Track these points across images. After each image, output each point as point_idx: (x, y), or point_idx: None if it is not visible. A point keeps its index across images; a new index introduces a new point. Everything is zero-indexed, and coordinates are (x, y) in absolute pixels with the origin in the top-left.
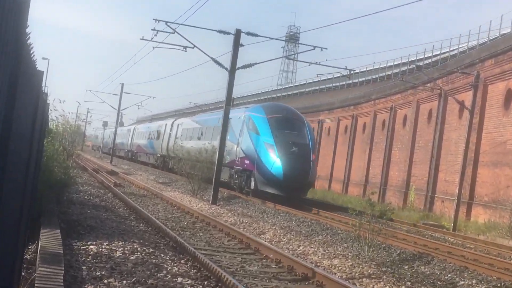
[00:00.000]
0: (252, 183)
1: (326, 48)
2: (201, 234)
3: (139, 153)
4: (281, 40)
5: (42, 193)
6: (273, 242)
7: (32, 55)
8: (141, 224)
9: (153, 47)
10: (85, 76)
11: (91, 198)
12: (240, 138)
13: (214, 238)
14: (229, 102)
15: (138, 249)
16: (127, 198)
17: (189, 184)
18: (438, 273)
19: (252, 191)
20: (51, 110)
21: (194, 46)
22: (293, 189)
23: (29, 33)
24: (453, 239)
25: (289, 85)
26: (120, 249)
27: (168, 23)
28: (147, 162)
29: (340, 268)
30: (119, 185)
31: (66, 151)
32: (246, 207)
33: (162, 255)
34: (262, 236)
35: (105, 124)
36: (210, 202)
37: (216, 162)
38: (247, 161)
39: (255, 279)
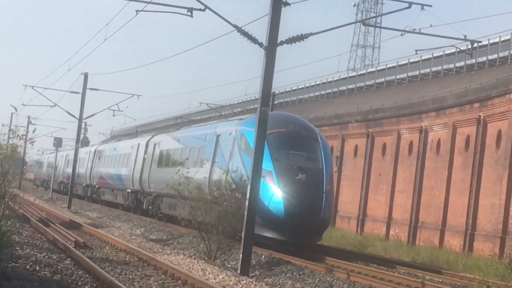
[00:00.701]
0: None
1: (431, 6)
2: None
3: (102, 188)
4: None
5: None
6: None
7: None
8: None
9: (137, 11)
10: (23, 62)
11: (37, 268)
12: (230, 162)
13: None
14: (267, 100)
15: None
16: (98, 268)
17: (202, 241)
18: None
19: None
20: None
21: (206, 7)
22: (300, 232)
23: None
24: None
25: (368, 70)
26: None
27: None
28: (113, 201)
29: None
30: (84, 245)
31: None
32: (299, 280)
33: None
34: None
35: (57, 142)
36: (239, 271)
37: (246, 205)
38: (238, 195)
39: None
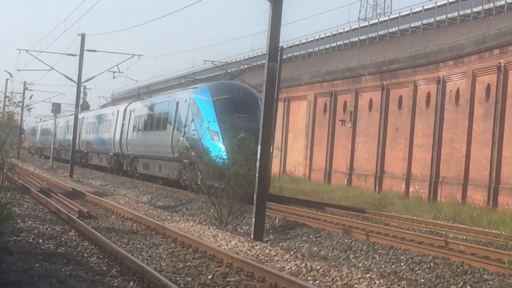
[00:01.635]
0: (199, 177)
1: None
2: None
3: (90, 152)
4: None
5: None
6: None
7: None
8: (131, 283)
9: None
10: (15, 25)
11: (41, 241)
12: (186, 125)
13: None
14: (275, 55)
15: None
16: (103, 238)
17: (213, 207)
18: None
19: (197, 186)
20: None
21: None
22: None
23: None
24: None
25: (380, 19)
26: None
27: None
28: (100, 165)
29: None
30: (89, 215)
31: None
32: (316, 243)
33: None
34: None
35: (56, 108)
36: (252, 236)
37: (257, 167)
38: (192, 153)
39: None
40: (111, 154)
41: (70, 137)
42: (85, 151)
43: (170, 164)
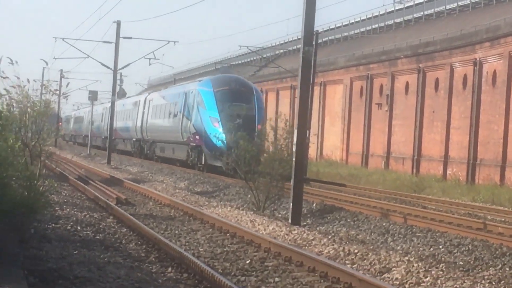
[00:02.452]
0: (203, 158)
1: None
2: (277, 279)
3: (117, 139)
4: None
5: None
6: (407, 286)
7: None
8: (169, 269)
9: None
10: (51, 14)
11: (79, 228)
12: (192, 113)
13: (300, 285)
14: (310, 39)
15: None
16: (141, 225)
17: (250, 192)
18: None
19: (204, 166)
20: None
21: None
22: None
23: None
24: None
25: (416, 2)
26: None
27: None
28: (125, 149)
29: None
30: (127, 202)
31: (29, 150)
32: (353, 226)
33: None
34: (386, 275)
35: (93, 95)
36: (289, 221)
37: (294, 152)
38: (197, 137)
39: None
40: (134, 139)
41: (102, 124)
42: (113, 138)
43: (180, 147)
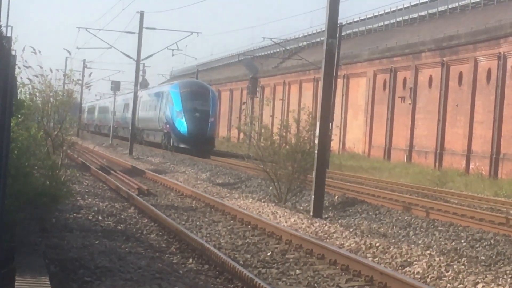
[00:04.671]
0: (171, 141)
1: None
2: (298, 271)
3: (118, 127)
4: None
5: (14, 216)
6: (429, 280)
7: None
8: (190, 260)
9: None
10: (74, 3)
11: (100, 218)
12: (165, 108)
13: (321, 277)
14: (333, 32)
15: None
16: (162, 215)
17: (272, 184)
18: None
19: (171, 147)
20: (18, 67)
21: None
22: (197, 143)
23: None
24: None
25: None
26: None
27: None
28: (124, 136)
29: None
30: (148, 193)
31: (51, 139)
32: (375, 220)
33: None
34: (408, 269)
35: (115, 86)
36: (311, 213)
37: (316, 144)
38: (167, 125)
39: None
40: (130, 128)
41: (119, 114)
42: (116, 126)
43: (158, 133)
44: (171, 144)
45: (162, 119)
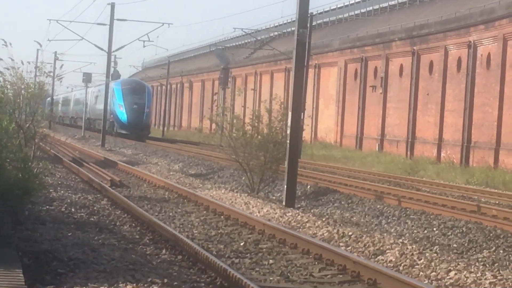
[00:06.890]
0: (115, 128)
1: None
2: (271, 261)
3: (78, 118)
4: None
5: None
6: (401, 268)
7: None
8: (164, 251)
9: None
10: None
11: (73, 210)
12: (111, 102)
13: (294, 267)
14: (304, 22)
15: None
16: (135, 207)
17: (244, 174)
18: None
19: (115, 133)
20: None
21: None
22: (135, 129)
23: None
24: None
25: None
26: None
27: None
28: (78, 124)
29: None
30: (121, 184)
31: (23, 132)
32: (348, 209)
33: None
34: (381, 257)
35: (87, 78)
36: (284, 203)
37: (288, 134)
38: (112, 116)
39: None
40: (86, 118)
41: (91, 106)
42: (75, 117)
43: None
44: (115, 131)
45: (109, 111)
